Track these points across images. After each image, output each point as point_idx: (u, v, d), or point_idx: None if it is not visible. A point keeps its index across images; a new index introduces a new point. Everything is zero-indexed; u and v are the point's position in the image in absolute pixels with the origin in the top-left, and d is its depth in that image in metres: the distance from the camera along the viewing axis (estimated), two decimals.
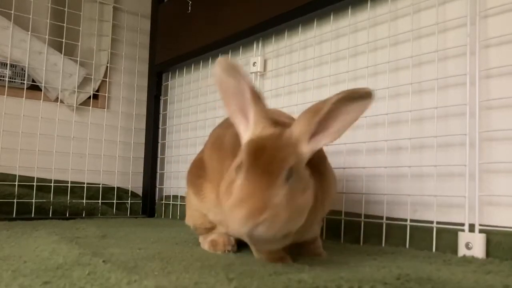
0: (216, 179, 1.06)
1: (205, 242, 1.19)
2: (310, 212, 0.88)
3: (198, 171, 1.21)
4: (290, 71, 1.79)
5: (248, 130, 0.90)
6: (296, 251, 1.06)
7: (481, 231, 1.15)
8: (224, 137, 1.11)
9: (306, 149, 0.86)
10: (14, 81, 2.23)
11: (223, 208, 0.83)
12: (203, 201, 1.17)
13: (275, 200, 0.76)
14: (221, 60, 0.93)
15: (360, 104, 0.86)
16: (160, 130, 2.51)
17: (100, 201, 2.35)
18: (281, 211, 0.77)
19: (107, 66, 2.50)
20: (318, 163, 0.94)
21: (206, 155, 1.20)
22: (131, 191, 2.50)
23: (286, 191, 0.78)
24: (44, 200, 2.15)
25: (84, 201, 2.27)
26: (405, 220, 1.32)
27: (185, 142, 2.33)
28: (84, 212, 2.26)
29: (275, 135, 0.85)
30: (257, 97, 0.90)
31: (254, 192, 0.76)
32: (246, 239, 0.83)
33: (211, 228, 1.20)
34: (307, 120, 0.86)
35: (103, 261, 0.89)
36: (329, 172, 1.05)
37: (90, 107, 2.42)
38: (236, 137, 0.94)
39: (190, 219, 1.28)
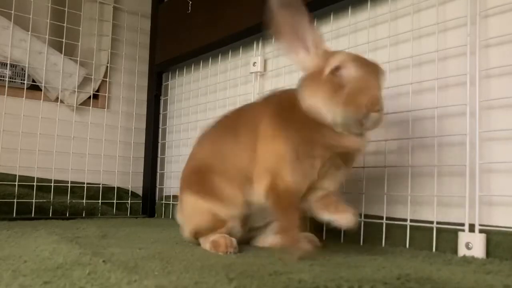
0: (229, 168, 1.12)
1: (206, 243, 1.18)
2: None
3: (199, 175, 1.20)
4: (290, 71, 1.79)
5: (311, 53, 1.02)
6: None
7: (481, 231, 1.15)
8: (228, 123, 1.20)
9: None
10: (14, 81, 2.23)
11: (329, 105, 0.95)
12: (213, 199, 1.14)
13: (380, 92, 0.94)
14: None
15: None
16: (160, 130, 2.51)
17: (100, 201, 2.35)
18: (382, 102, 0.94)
19: (107, 66, 2.50)
20: None
21: (205, 151, 1.24)
22: (131, 191, 2.50)
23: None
24: (44, 200, 2.15)
25: (84, 201, 2.27)
26: (405, 220, 1.32)
27: (185, 142, 2.33)
28: (84, 212, 2.26)
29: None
30: (313, 25, 1.05)
31: (374, 85, 0.94)
32: (353, 127, 0.97)
33: (217, 228, 1.16)
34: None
35: (103, 261, 0.89)
36: None
37: (90, 107, 2.42)
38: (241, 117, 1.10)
39: (190, 224, 1.23)
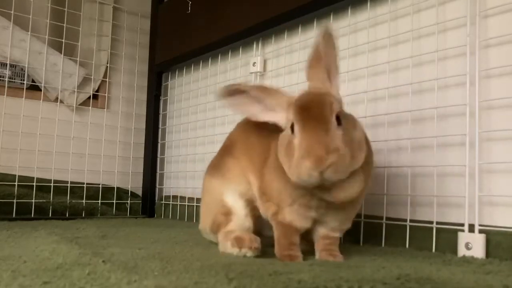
0: (240, 154, 1.20)
1: (226, 240, 1.12)
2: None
3: (217, 158, 1.31)
4: (290, 71, 1.79)
5: (278, 112, 1.03)
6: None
7: (480, 231, 1.15)
8: (249, 123, 1.21)
9: (335, 91, 1.00)
10: (14, 81, 2.23)
11: (286, 168, 0.95)
12: (224, 177, 1.21)
13: (335, 143, 0.88)
14: (218, 91, 1.08)
15: (332, 38, 1.02)
16: (160, 130, 2.51)
17: (100, 201, 2.35)
18: (343, 152, 0.88)
19: (107, 66, 2.50)
20: None
21: (234, 138, 1.29)
22: (131, 191, 2.50)
23: (341, 132, 0.90)
24: (44, 200, 2.15)
25: (84, 201, 2.27)
26: (405, 220, 1.32)
27: (185, 142, 2.33)
28: (84, 212, 2.26)
29: (317, 89, 0.99)
30: (263, 88, 1.06)
31: (315, 141, 0.87)
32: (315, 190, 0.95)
33: (228, 214, 1.18)
34: (318, 69, 1.01)
35: (103, 261, 0.89)
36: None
37: (90, 107, 2.42)
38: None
39: (208, 215, 1.26)
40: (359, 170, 0.96)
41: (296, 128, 0.92)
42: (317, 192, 0.96)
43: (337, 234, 1.11)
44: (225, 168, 1.23)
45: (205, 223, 1.29)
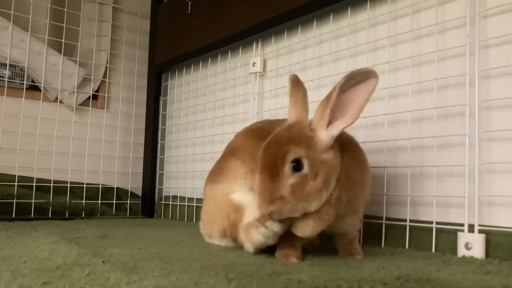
0: (245, 156, 1.20)
1: (248, 232, 1.07)
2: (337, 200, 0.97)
3: (218, 165, 1.31)
4: (290, 72, 1.79)
5: None
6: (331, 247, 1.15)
7: (480, 231, 1.15)
8: (260, 129, 1.23)
9: (324, 135, 0.95)
10: (14, 81, 2.23)
11: None
12: (228, 178, 1.21)
13: (280, 192, 0.91)
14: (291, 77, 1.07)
15: (367, 84, 0.94)
16: (159, 130, 2.51)
17: (99, 201, 2.34)
18: (288, 200, 0.91)
19: (106, 66, 2.50)
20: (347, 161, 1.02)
21: (238, 144, 1.29)
22: (131, 191, 2.50)
23: (293, 181, 0.91)
24: (44, 201, 2.15)
25: (83, 201, 2.27)
26: (405, 220, 1.32)
27: (184, 142, 2.33)
28: (83, 212, 2.26)
29: (282, 130, 0.98)
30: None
31: (263, 187, 0.93)
32: None
33: (240, 209, 1.15)
34: (321, 108, 0.97)
35: (103, 261, 0.89)
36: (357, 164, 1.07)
37: (90, 107, 2.42)
38: (267, 131, 1.07)
39: (215, 221, 1.24)
40: (324, 206, 0.95)
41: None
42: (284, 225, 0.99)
43: (353, 234, 1.14)
44: (228, 169, 1.23)
45: (211, 230, 1.28)
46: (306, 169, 0.92)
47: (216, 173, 1.28)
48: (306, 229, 0.96)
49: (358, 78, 0.94)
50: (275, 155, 0.93)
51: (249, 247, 1.10)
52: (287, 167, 0.92)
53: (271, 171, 0.92)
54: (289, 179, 0.92)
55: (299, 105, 1.03)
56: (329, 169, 0.95)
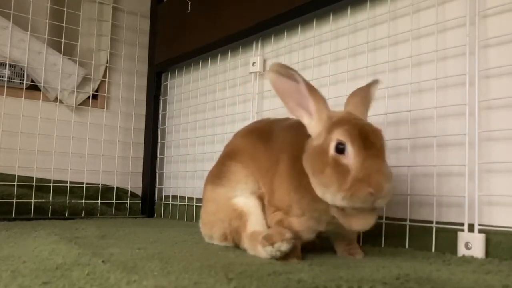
0: (246, 160, 1.20)
1: (255, 244, 1.06)
2: None
3: (218, 167, 1.29)
4: None
5: (314, 119, 1.02)
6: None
7: (480, 231, 1.15)
8: (259, 129, 1.22)
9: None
10: (13, 81, 2.23)
11: (319, 184, 0.95)
12: (230, 181, 1.20)
13: (390, 172, 0.92)
14: (273, 65, 1.03)
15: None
16: (159, 130, 2.51)
17: (99, 201, 2.34)
18: (392, 182, 0.91)
19: (106, 66, 2.50)
20: None
21: (238, 145, 1.29)
22: (131, 191, 2.50)
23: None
24: (44, 200, 2.15)
25: (83, 201, 2.27)
26: (405, 220, 1.32)
27: (184, 142, 2.33)
28: (83, 212, 2.26)
29: (364, 120, 1.01)
30: (313, 90, 1.02)
31: (376, 169, 0.89)
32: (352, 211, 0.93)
33: (243, 216, 1.15)
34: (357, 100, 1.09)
35: (103, 261, 0.89)
36: None
37: (90, 107, 2.42)
38: (266, 131, 1.11)
39: (215, 224, 1.23)
40: None
41: (352, 151, 0.91)
42: (332, 221, 0.98)
43: (352, 236, 1.15)
44: (230, 172, 1.22)
45: (211, 231, 1.27)
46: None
47: (217, 176, 1.26)
48: (374, 218, 0.93)
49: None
50: (381, 139, 0.94)
51: (252, 253, 1.09)
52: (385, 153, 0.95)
53: (380, 153, 0.93)
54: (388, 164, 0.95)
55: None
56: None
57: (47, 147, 2.23)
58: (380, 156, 0.92)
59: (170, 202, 2.36)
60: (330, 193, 0.92)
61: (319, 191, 0.95)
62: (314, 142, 0.99)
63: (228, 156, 1.28)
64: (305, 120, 1.03)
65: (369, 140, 0.92)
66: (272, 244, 0.99)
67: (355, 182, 0.88)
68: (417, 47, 1.37)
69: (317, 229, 1.08)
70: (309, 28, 1.72)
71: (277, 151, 1.13)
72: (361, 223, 0.93)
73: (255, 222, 1.13)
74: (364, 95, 1.10)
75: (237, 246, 1.18)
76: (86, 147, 2.36)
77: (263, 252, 1.02)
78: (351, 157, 0.91)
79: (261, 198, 1.17)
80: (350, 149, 0.91)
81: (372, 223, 0.93)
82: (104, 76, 2.50)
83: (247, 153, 1.21)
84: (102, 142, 2.42)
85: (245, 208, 1.15)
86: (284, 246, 0.99)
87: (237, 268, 0.86)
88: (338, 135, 0.93)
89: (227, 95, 2.08)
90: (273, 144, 1.16)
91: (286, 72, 1.02)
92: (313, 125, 1.02)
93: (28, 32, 2.20)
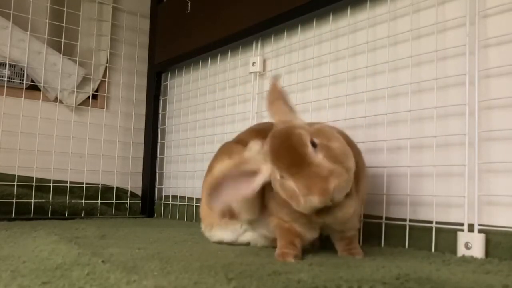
0: (244, 144, 1.19)
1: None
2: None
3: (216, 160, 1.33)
4: (290, 71, 1.79)
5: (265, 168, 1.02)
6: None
7: (480, 231, 1.15)
8: (263, 130, 1.21)
9: (298, 119, 1.03)
10: (13, 81, 2.23)
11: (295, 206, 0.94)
12: (232, 157, 1.21)
13: (325, 169, 0.88)
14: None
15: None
16: (159, 130, 2.51)
17: (99, 201, 2.34)
18: (335, 169, 0.89)
19: (106, 66, 2.50)
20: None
21: (242, 137, 1.33)
22: (130, 191, 2.50)
23: (322, 153, 0.91)
24: (43, 200, 2.15)
25: (83, 201, 2.27)
26: (404, 220, 1.32)
27: (184, 142, 2.33)
28: (83, 212, 2.26)
29: (284, 125, 0.99)
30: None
31: (308, 179, 0.88)
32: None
33: None
34: (280, 104, 1.06)
35: (102, 261, 0.89)
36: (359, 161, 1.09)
37: (89, 107, 2.42)
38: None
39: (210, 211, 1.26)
40: (352, 185, 0.96)
41: (284, 177, 0.93)
42: (316, 219, 0.97)
43: (351, 233, 1.14)
44: (234, 150, 1.24)
45: (210, 218, 1.28)
46: (317, 140, 0.93)
47: (212, 161, 1.32)
48: (350, 205, 0.95)
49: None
50: (294, 149, 0.92)
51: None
52: (310, 149, 0.91)
53: (302, 165, 0.90)
54: (319, 155, 0.91)
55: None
56: (327, 131, 0.98)
57: (47, 147, 2.23)
58: (302, 167, 0.89)
59: (170, 202, 2.36)
60: (294, 207, 0.95)
61: None
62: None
63: (232, 143, 1.31)
64: (267, 178, 1.03)
65: (287, 158, 0.92)
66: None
67: (304, 198, 0.89)
68: (417, 47, 1.37)
69: (315, 228, 1.08)
70: (309, 28, 1.72)
71: None
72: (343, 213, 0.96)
73: None
74: (275, 93, 1.10)
75: (233, 217, 1.21)
76: (86, 147, 2.36)
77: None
78: (286, 179, 0.92)
79: None
80: (279, 177, 0.94)
81: (350, 210, 0.96)
82: (104, 76, 2.50)
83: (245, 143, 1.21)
84: (102, 142, 2.42)
85: None
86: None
87: (237, 268, 0.86)
88: (272, 166, 0.96)
89: (227, 95, 2.08)
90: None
91: (214, 187, 1.00)
92: (269, 174, 1.02)
93: (28, 32, 2.20)
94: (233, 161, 1.09)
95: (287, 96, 1.09)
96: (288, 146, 0.93)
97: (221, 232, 1.27)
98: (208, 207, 1.07)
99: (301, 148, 0.91)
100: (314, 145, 0.92)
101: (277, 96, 1.08)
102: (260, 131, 1.26)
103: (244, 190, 1.00)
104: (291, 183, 0.91)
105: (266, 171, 0.99)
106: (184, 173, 2.30)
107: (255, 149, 1.06)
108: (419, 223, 1.29)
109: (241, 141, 1.29)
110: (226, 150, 1.32)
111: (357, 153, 1.10)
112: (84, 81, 2.41)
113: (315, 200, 0.87)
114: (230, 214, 1.21)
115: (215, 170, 1.26)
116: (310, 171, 0.89)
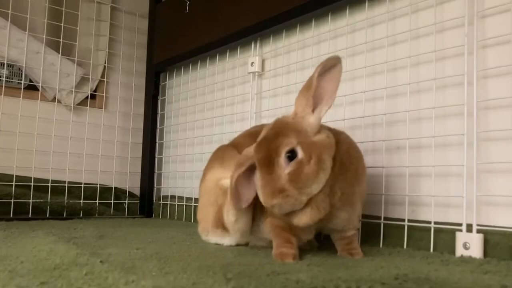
0: (240, 149, 1.20)
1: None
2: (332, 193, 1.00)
3: (214, 158, 1.36)
4: (288, 71, 1.79)
5: None
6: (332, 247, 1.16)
7: (478, 231, 1.15)
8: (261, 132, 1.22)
9: (312, 119, 1.00)
10: (12, 81, 2.23)
11: None
12: (223, 164, 1.25)
13: (279, 183, 0.93)
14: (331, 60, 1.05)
15: (336, 69, 1.04)
16: (158, 130, 2.51)
17: (97, 201, 2.34)
18: (288, 191, 0.93)
19: (104, 66, 2.50)
20: (344, 157, 1.05)
21: (238, 140, 1.35)
22: (129, 191, 2.50)
23: (290, 169, 0.94)
24: (42, 200, 2.14)
25: (81, 201, 2.27)
26: (403, 220, 1.32)
27: (183, 142, 2.33)
28: (81, 212, 2.25)
29: (268, 129, 1.01)
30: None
31: (262, 182, 0.96)
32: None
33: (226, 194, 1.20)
34: (304, 97, 1.02)
35: (101, 261, 0.89)
36: (355, 160, 1.10)
37: (88, 107, 2.41)
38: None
39: (208, 213, 1.27)
40: (320, 195, 0.96)
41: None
42: (285, 218, 1.00)
43: (351, 232, 1.14)
44: (225, 156, 1.26)
45: (206, 224, 1.28)
46: (300, 154, 0.95)
47: (210, 166, 1.32)
48: (302, 217, 0.97)
49: (328, 66, 1.03)
50: (268, 151, 0.96)
51: (230, 230, 1.20)
52: (282, 159, 0.95)
53: (267, 167, 0.95)
54: (286, 169, 0.94)
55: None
56: (322, 148, 0.97)
57: (45, 147, 2.23)
58: (265, 170, 0.96)
59: (169, 202, 2.36)
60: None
61: None
62: None
63: (227, 147, 1.31)
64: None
65: (260, 155, 0.97)
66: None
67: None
68: (415, 47, 1.37)
69: (311, 230, 1.09)
70: (307, 28, 1.72)
71: None
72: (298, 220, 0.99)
73: None
74: (308, 85, 1.04)
75: (224, 229, 1.22)
76: (84, 147, 2.35)
77: (228, 214, 1.16)
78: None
79: None
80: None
81: (308, 217, 0.97)
82: (103, 76, 2.49)
83: (241, 147, 1.22)
84: (101, 142, 2.42)
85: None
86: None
87: (236, 268, 0.86)
88: None
89: (226, 95, 2.07)
90: None
91: (235, 190, 1.07)
92: None
93: (26, 32, 2.19)
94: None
95: (326, 90, 1.04)
96: (266, 147, 0.97)
97: (216, 238, 1.28)
98: (237, 208, 1.12)
99: (272, 155, 0.95)
100: (292, 156, 0.95)
101: (307, 89, 1.02)
102: (255, 134, 1.26)
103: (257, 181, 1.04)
104: (258, 176, 0.98)
105: None
106: (183, 173, 2.30)
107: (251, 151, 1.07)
108: (418, 223, 1.29)
109: (236, 144, 1.31)
110: (218, 156, 1.34)
111: (359, 158, 1.11)
112: (83, 81, 2.40)
113: (262, 200, 0.96)
114: (223, 227, 1.23)
115: (208, 177, 1.29)
116: (269, 177, 0.95)
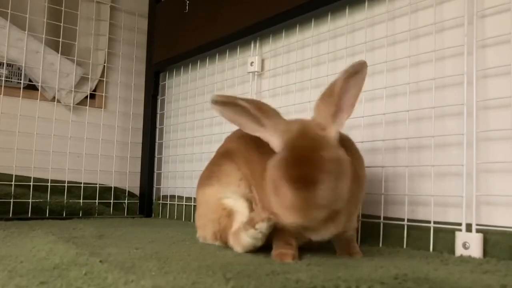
0: (241, 162, 1.19)
1: (238, 237, 1.10)
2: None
3: (210, 168, 1.30)
4: (288, 71, 1.79)
5: (272, 135, 1.00)
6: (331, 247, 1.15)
7: (478, 230, 1.15)
8: (247, 135, 1.18)
9: (334, 130, 0.96)
10: (11, 81, 2.23)
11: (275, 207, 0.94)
12: (221, 182, 1.20)
13: (323, 200, 0.87)
14: (213, 97, 1.03)
15: (359, 76, 0.99)
16: (157, 130, 2.50)
17: (97, 201, 2.34)
18: (323, 205, 0.88)
19: (104, 66, 2.49)
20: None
21: (232, 147, 1.27)
22: (128, 191, 2.50)
23: (327, 186, 0.87)
24: (41, 200, 2.14)
25: (81, 201, 2.27)
26: (403, 220, 1.32)
27: (182, 142, 2.33)
28: (81, 212, 2.25)
29: (313, 132, 0.95)
30: (261, 108, 1.01)
31: (298, 199, 0.87)
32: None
33: (231, 215, 1.17)
34: (326, 104, 0.97)
35: (100, 261, 0.89)
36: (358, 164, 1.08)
37: (87, 107, 2.41)
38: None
39: (207, 224, 1.24)
40: (342, 210, 0.96)
41: (284, 179, 0.89)
42: (301, 231, 0.99)
43: (350, 233, 1.14)
44: (222, 172, 1.22)
45: (205, 232, 1.28)
46: (333, 170, 0.89)
47: (208, 176, 1.26)
48: (324, 234, 0.98)
49: (353, 71, 0.98)
50: (312, 167, 0.88)
51: (238, 250, 1.12)
52: (319, 175, 0.87)
53: (309, 184, 0.87)
54: (321, 185, 0.87)
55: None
56: (346, 165, 0.93)
57: (45, 146, 2.23)
58: (307, 186, 0.87)
59: (168, 202, 2.36)
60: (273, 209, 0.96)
61: None
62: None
63: (223, 156, 1.28)
64: (266, 138, 1.02)
65: (302, 169, 0.88)
66: (253, 226, 1.03)
67: (286, 209, 0.91)
68: (415, 47, 1.37)
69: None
70: (307, 27, 1.72)
71: (269, 156, 1.12)
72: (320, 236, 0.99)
73: (241, 220, 1.14)
74: (330, 92, 1.01)
75: (226, 245, 1.19)
76: (84, 147, 2.35)
77: (246, 238, 1.06)
78: (283, 183, 0.91)
79: (251, 202, 1.17)
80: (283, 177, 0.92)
81: (329, 233, 0.99)
82: (102, 75, 2.49)
83: (242, 156, 1.20)
84: (100, 142, 2.42)
85: (234, 208, 1.16)
86: (264, 225, 1.01)
87: (235, 268, 0.86)
88: (281, 149, 0.96)
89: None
90: (268, 149, 1.15)
91: (227, 100, 1.03)
92: (273, 141, 1.01)
93: (26, 32, 2.19)
94: (257, 104, 1.03)
95: (349, 98, 1.00)
96: (309, 161, 0.89)
97: (218, 244, 1.27)
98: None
99: (315, 171, 0.87)
100: (330, 167, 0.89)
101: (329, 95, 0.99)
102: (246, 137, 1.24)
103: (247, 124, 1.03)
104: (284, 188, 0.89)
105: (274, 139, 1.00)
106: (182, 173, 2.30)
107: (280, 117, 1.04)
108: (417, 223, 1.29)
109: (229, 150, 1.26)
110: (214, 172, 1.27)
111: (360, 162, 1.11)
112: (82, 80, 2.40)
113: (293, 218, 0.89)
114: (222, 241, 1.21)
115: (208, 192, 1.24)
116: (305, 194, 0.87)
